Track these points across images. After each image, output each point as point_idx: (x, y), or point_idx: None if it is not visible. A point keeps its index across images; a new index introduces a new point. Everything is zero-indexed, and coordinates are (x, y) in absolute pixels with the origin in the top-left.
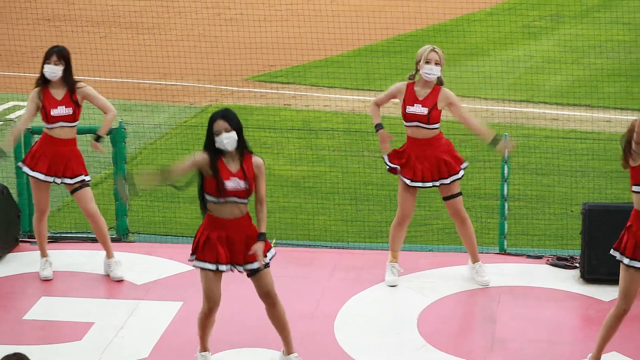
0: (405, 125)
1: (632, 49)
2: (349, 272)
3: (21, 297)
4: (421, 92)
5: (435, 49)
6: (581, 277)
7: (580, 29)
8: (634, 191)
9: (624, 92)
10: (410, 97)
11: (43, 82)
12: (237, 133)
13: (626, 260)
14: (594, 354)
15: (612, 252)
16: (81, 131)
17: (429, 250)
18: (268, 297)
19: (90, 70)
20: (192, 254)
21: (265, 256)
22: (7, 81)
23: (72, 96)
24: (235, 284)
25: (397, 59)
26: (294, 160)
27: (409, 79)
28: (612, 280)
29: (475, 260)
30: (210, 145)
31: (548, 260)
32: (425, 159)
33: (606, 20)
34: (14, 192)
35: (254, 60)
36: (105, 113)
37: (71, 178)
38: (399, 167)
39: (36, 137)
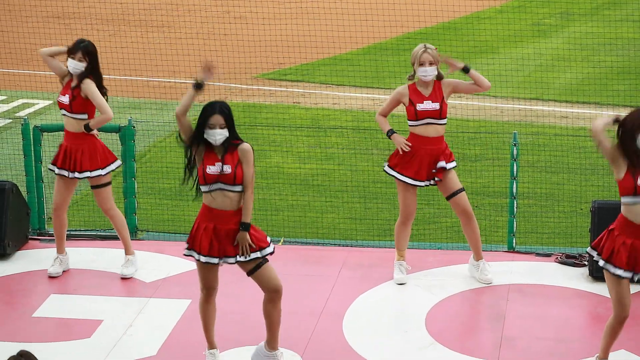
0: (413, 125)
1: None
2: (358, 270)
3: (31, 294)
4: (425, 90)
5: (428, 50)
6: (590, 275)
7: (590, 27)
8: (623, 202)
9: (633, 90)
10: (416, 96)
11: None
12: (229, 130)
13: (601, 262)
14: (600, 355)
15: (589, 250)
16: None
17: (438, 248)
18: (275, 292)
19: None
20: (187, 242)
21: (257, 251)
22: (16, 79)
23: (75, 89)
24: (241, 282)
25: (406, 57)
26: (303, 158)
27: (409, 79)
28: None
29: (478, 257)
30: (198, 132)
31: (557, 258)
32: (427, 156)
33: (616, 18)
34: (23, 190)
35: (263, 58)
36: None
37: (80, 172)
38: (402, 176)
39: (45, 135)
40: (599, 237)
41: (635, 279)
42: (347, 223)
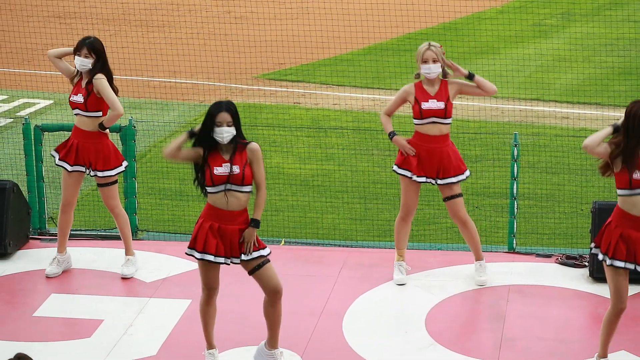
0: (418, 124)
1: None
2: (358, 271)
3: (31, 294)
4: (431, 88)
5: (431, 47)
6: (590, 276)
7: (591, 27)
8: (619, 195)
9: (634, 91)
10: (422, 95)
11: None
12: (236, 128)
13: (604, 258)
14: (599, 353)
15: (593, 250)
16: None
17: (438, 249)
18: (276, 293)
19: None
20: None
21: (260, 249)
22: (17, 78)
23: (88, 86)
24: (241, 282)
25: (407, 57)
26: (303, 159)
27: (415, 77)
28: None
29: (477, 258)
30: (205, 133)
31: (557, 259)
32: (433, 155)
33: (617, 18)
34: (24, 189)
35: (264, 59)
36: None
37: (102, 171)
38: (410, 173)
39: (47, 135)
40: (598, 233)
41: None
42: (347, 223)
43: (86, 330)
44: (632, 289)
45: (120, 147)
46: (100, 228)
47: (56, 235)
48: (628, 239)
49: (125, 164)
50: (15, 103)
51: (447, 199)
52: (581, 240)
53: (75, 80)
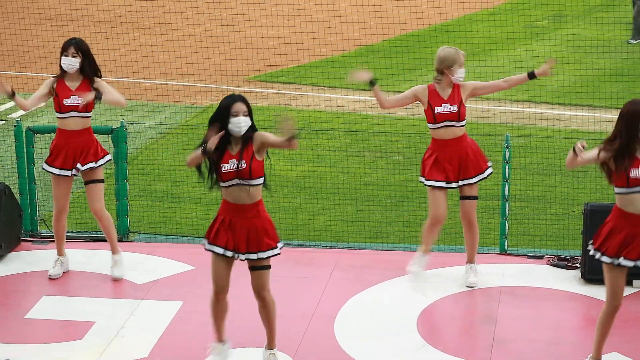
0: (433, 128)
1: (635, 48)
2: (349, 272)
3: (23, 296)
4: (443, 92)
5: (459, 51)
6: (582, 277)
7: (582, 29)
8: (617, 193)
9: (626, 92)
10: (435, 99)
11: (62, 73)
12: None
13: (600, 256)
14: (593, 355)
15: (591, 251)
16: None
17: (430, 251)
18: (259, 295)
19: None
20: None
21: (274, 248)
22: (9, 80)
23: (89, 87)
24: (241, 283)
25: (398, 59)
26: (295, 160)
27: (436, 81)
28: None
29: (468, 261)
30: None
31: (549, 260)
32: (452, 158)
33: (609, 20)
34: (15, 192)
35: (255, 60)
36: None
37: (96, 162)
38: (439, 182)
39: (38, 137)
40: (596, 233)
41: None
42: (339, 225)
43: (78, 332)
44: (630, 290)
45: (111, 149)
46: (92, 230)
47: (48, 238)
48: (627, 236)
49: (109, 157)
50: (7, 105)
51: (464, 198)
52: (573, 241)
53: (54, 87)
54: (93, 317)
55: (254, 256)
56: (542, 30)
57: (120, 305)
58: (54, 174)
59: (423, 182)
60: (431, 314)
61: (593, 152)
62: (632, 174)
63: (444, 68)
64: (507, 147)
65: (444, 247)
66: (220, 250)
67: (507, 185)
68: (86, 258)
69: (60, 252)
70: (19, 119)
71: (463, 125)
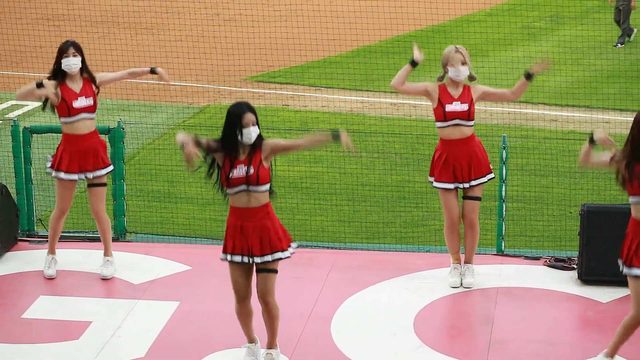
0: (441, 127)
1: (632, 50)
2: (346, 273)
3: (20, 295)
4: (454, 91)
5: (459, 49)
6: (579, 278)
7: (579, 30)
8: (632, 202)
9: (623, 93)
10: (446, 97)
11: (61, 77)
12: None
13: (625, 270)
14: (608, 352)
15: (621, 266)
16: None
17: (426, 251)
18: (263, 300)
19: None
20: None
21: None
22: (6, 80)
23: (91, 87)
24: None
25: (395, 60)
26: (292, 161)
27: (439, 80)
28: (610, 281)
29: (465, 261)
30: (230, 137)
31: (546, 261)
32: (461, 158)
33: (606, 21)
34: (12, 191)
35: (253, 61)
36: (125, 78)
37: (103, 169)
38: (446, 185)
39: (35, 137)
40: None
41: None
42: (336, 225)
43: (74, 332)
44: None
45: (109, 149)
46: (89, 230)
47: (45, 238)
48: None
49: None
50: (4, 105)
51: (469, 198)
52: (570, 242)
53: (59, 92)
54: (90, 317)
55: (269, 258)
56: (539, 32)
57: (117, 305)
58: (62, 179)
59: (432, 183)
60: (428, 315)
61: (606, 156)
62: None
63: (443, 67)
64: (504, 148)
65: (440, 248)
66: (237, 259)
67: (504, 186)
68: (83, 258)
69: (52, 251)
70: (16, 119)
71: (472, 125)
